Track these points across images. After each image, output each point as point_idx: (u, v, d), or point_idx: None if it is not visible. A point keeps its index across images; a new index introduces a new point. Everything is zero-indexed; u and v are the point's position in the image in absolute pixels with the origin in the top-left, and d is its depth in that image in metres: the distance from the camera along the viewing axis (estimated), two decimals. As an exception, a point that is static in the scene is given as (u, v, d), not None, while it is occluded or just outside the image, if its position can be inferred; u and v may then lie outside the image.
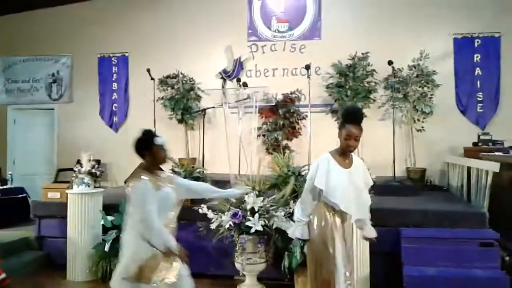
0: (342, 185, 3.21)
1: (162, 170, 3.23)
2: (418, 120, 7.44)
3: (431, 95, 7.39)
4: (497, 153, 5.82)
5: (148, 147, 3.08)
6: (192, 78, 8.28)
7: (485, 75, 7.53)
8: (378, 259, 4.80)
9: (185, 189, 3.35)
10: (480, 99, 7.55)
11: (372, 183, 3.42)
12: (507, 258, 4.48)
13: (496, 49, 7.50)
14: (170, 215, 3.14)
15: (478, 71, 7.57)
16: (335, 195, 3.23)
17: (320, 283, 3.26)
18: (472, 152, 6.52)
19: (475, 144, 6.91)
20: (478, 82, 7.55)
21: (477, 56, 7.59)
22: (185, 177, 5.58)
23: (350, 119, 3.23)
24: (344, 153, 3.29)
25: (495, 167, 4.88)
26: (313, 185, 3.27)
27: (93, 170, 5.63)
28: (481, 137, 6.92)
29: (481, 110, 7.54)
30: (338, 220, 3.27)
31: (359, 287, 4.68)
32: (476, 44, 7.59)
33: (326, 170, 3.24)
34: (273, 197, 5.06)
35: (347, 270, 3.25)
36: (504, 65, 7.47)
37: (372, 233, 3.37)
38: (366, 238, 3.46)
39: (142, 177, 3.02)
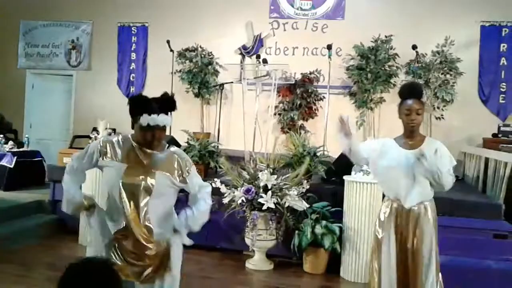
0: (397, 167, 2.94)
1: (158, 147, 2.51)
2: (438, 107, 7.30)
3: (453, 83, 7.24)
4: (517, 145, 5.72)
5: (132, 118, 2.44)
6: (211, 52, 8.21)
7: (510, 65, 7.35)
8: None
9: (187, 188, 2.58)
10: (503, 90, 7.39)
11: (448, 166, 2.95)
12: (520, 251, 4.42)
13: (524, 39, 7.31)
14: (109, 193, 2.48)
15: (503, 61, 7.39)
16: (383, 178, 3.08)
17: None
18: (492, 143, 6.42)
19: (494, 135, 6.80)
20: (503, 72, 7.39)
21: (504, 46, 7.40)
22: (200, 151, 5.62)
23: (408, 93, 3.01)
24: (409, 134, 3.00)
25: (515, 159, 4.79)
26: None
27: (109, 138, 5.66)
28: (502, 128, 6.79)
29: (503, 101, 7.39)
30: (396, 208, 2.99)
31: (366, 270, 4.70)
32: (503, 33, 7.40)
33: (382, 143, 3.08)
34: (287, 175, 5.05)
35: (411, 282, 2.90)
36: (531, 56, 7.28)
37: None
38: None
39: (110, 136, 2.57)
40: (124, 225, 2.42)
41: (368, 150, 3.12)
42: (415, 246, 2.92)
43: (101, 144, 2.49)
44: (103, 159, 2.47)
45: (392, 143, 3.05)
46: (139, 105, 2.39)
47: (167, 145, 2.58)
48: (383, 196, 3.21)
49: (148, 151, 2.47)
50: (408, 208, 2.94)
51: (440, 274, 3.01)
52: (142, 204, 2.41)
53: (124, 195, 2.39)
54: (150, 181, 2.41)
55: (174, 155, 2.52)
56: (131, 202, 2.39)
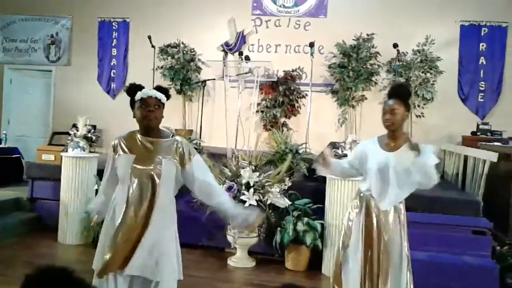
0: (377, 169, 2.99)
1: (161, 135, 2.61)
2: (418, 106, 7.38)
3: (433, 81, 7.33)
4: (495, 143, 5.81)
5: (131, 106, 2.62)
6: (193, 48, 8.15)
7: (489, 64, 7.47)
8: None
9: (191, 177, 2.61)
10: (482, 89, 7.51)
11: (429, 165, 2.81)
12: (498, 247, 4.51)
13: (502, 39, 7.42)
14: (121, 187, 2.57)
15: (482, 60, 7.51)
16: (366, 178, 3.10)
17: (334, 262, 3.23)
18: (470, 141, 6.51)
19: (473, 133, 6.90)
20: (482, 71, 7.50)
21: (483, 45, 7.51)
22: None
23: (389, 93, 3.08)
24: (390, 134, 3.03)
25: (493, 156, 4.86)
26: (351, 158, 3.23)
27: (89, 135, 5.59)
28: (480, 126, 6.89)
29: (482, 100, 7.51)
30: (372, 204, 3.05)
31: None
32: (482, 33, 7.50)
33: (363, 152, 3.12)
34: (269, 173, 5.05)
35: (373, 266, 2.98)
36: (509, 56, 7.40)
37: None
38: None
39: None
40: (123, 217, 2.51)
41: (354, 163, 3.20)
42: (385, 243, 2.99)
43: (113, 144, 2.64)
44: (116, 157, 2.60)
45: (373, 146, 3.07)
46: (134, 87, 2.61)
47: (172, 134, 2.66)
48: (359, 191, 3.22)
49: (153, 139, 2.57)
50: (383, 209, 3.01)
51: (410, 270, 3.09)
52: (149, 191, 2.49)
53: (136, 182, 2.49)
54: (158, 167, 2.51)
55: (176, 143, 2.59)
56: (141, 189, 2.49)
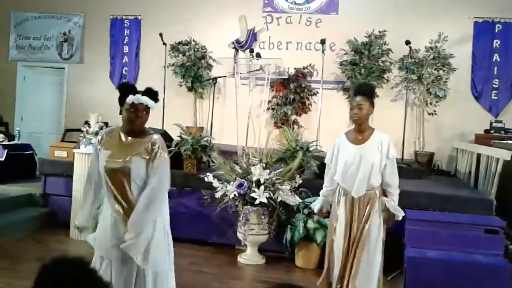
0: (347, 162, 3.30)
1: (141, 134, 2.71)
2: (431, 103, 7.32)
3: (446, 78, 7.25)
4: (509, 141, 5.74)
5: (120, 103, 2.73)
6: (204, 46, 8.16)
7: (503, 61, 7.36)
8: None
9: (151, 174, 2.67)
10: (495, 86, 7.41)
11: (389, 158, 3.28)
12: (511, 246, 4.45)
13: (517, 36, 7.32)
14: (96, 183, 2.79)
15: (496, 57, 7.40)
16: (338, 172, 3.36)
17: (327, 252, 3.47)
18: (483, 139, 6.44)
19: (487, 131, 6.82)
20: (495, 69, 7.39)
21: (497, 42, 7.41)
22: (192, 145, 5.59)
23: (355, 90, 3.39)
24: (357, 128, 3.35)
25: (506, 155, 4.80)
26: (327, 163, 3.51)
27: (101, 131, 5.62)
28: (494, 124, 6.81)
29: (496, 98, 7.41)
30: (348, 197, 3.34)
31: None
32: (496, 29, 7.40)
33: (335, 148, 3.43)
34: (279, 170, 5.05)
35: (352, 253, 3.27)
36: (524, 53, 7.30)
37: (388, 220, 3.40)
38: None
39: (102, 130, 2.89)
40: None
41: (332, 165, 3.46)
42: (365, 228, 3.27)
43: (99, 138, 2.80)
44: (99, 150, 2.74)
45: (342, 142, 3.38)
46: (126, 87, 2.73)
47: (151, 132, 2.76)
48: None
49: (130, 138, 2.70)
50: (357, 196, 3.29)
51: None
52: (123, 187, 2.62)
53: (107, 178, 2.65)
54: (127, 164, 2.62)
55: (150, 141, 2.68)
56: (114, 185, 2.63)
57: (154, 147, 2.65)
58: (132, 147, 2.66)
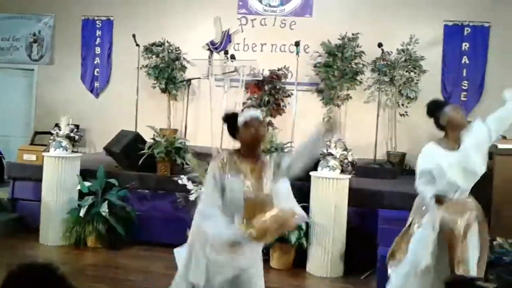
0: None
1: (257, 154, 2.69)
2: (402, 104, 7.45)
3: (417, 80, 7.40)
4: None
5: (233, 131, 2.68)
6: (178, 47, 8.10)
7: (472, 64, 7.55)
8: (354, 238, 4.86)
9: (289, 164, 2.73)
10: (465, 88, 7.59)
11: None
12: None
13: (485, 38, 7.51)
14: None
15: (465, 59, 7.59)
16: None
17: None
18: (453, 139, 6.56)
19: (456, 131, 6.96)
20: (465, 71, 7.58)
21: (466, 45, 7.59)
22: (166, 148, 5.54)
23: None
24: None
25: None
26: None
27: (72, 134, 5.51)
28: (463, 125, 6.96)
29: (465, 99, 7.59)
30: None
31: (333, 265, 4.75)
32: (465, 32, 7.59)
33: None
34: (254, 171, 5.02)
35: None
36: (491, 56, 7.49)
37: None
38: None
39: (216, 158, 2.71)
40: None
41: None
42: None
43: (218, 165, 2.60)
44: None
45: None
46: (233, 115, 2.69)
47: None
48: None
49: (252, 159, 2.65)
50: None
51: None
52: None
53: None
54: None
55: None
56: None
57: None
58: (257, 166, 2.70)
